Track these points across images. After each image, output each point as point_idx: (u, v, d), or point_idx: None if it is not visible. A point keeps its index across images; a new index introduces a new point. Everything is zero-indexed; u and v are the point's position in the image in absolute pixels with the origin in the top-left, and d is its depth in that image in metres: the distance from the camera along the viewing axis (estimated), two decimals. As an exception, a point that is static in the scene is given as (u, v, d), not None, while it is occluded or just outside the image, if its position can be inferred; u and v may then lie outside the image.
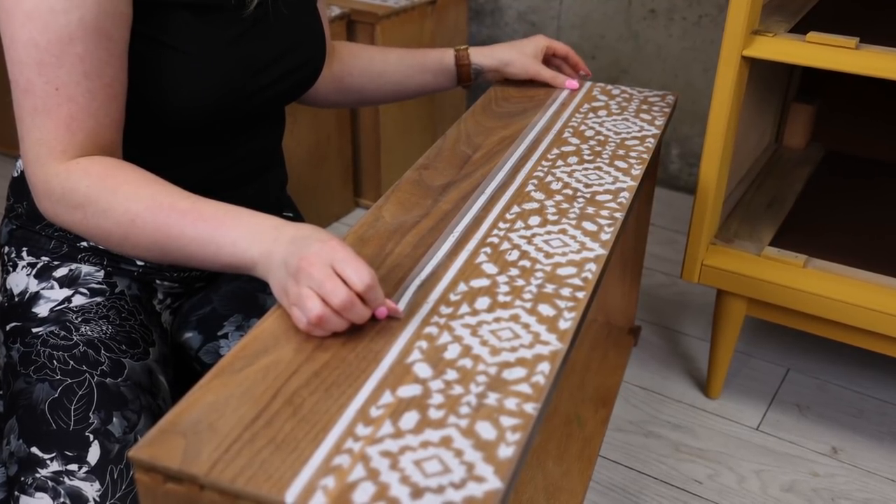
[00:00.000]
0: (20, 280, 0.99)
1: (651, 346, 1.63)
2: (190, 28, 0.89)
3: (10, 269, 1.00)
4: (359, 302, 0.71)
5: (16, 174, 1.04)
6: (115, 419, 0.90)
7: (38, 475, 0.87)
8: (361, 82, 1.23)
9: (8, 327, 0.97)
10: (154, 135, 0.95)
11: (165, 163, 0.92)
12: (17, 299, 0.98)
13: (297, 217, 1.23)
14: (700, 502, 1.28)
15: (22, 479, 0.87)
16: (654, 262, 1.90)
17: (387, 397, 0.66)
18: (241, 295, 1.07)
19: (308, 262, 0.70)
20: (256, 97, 0.97)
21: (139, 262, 1.02)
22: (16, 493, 0.87)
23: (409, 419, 0.64)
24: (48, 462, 0.87)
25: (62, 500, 0.85)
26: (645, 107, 1.26)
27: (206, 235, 0.78)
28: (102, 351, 0.94)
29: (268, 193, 1.10)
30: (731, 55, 1.13)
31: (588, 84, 1.34)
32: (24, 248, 1.00)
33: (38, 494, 0.85)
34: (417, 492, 0.57)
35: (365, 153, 2.12)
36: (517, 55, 1.25)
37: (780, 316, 1.33)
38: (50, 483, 0.86)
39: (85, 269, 0.99)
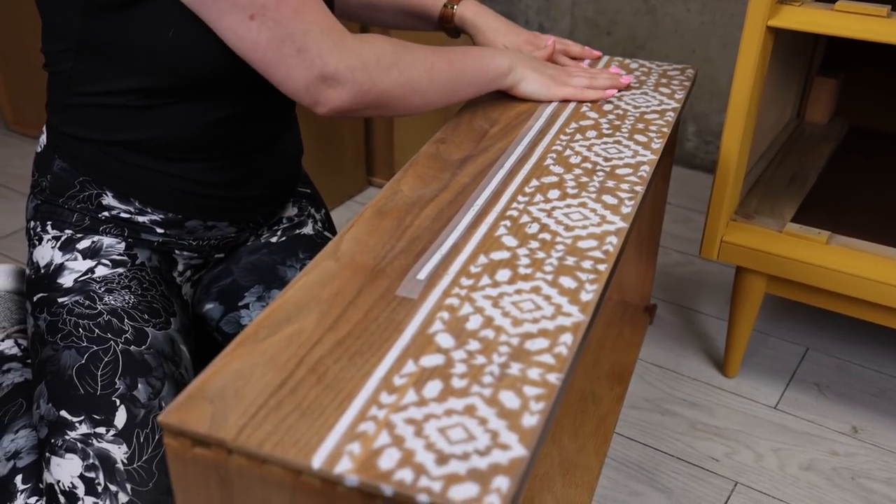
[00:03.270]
0: (45, 253, 1.00)
1: (667, 325, 1.62)
2: None
3: (36, 242, 1.02)
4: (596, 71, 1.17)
5: (39, 149, 1.04)
6: (140, 385, 0.92)
7: (67, 437, 0.89)
8: (358, 13, 1.27)
9: (35, 298, 1.00)
10: (167, 86, 0.94)
11: (176, 116, 0.94)
12: (42, 271, 1.00)
13: (312, 192, 1.23)
14: (717, 479, 1.28)
15: (52, 440, 0.90)
16: (670, 240, 1.89)
17: (410, 366, 0.66)
18: (261, 267, 1.08)
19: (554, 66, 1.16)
20: None
21: (159, 231, 1.02)
22: (47, 454, 0.90)
23: (433, 388, 0.64)
24: (77, 425, 0.89)
25: (91, 461, 0.87)
26: (664, 80, 1.26)
27: (476, 62, 1.04)
28: (126, 319, 0.95)
29: (282, 160, 1.10)
30: (756, 25, 1.12)
31: (606, 58, 1.33)
32: (49, 222, 1.01)
33: (68, 455, 0.88)
34: (442, 458, 0.57)
35: (378, 132, 2.12)
36: (490, 34, 1.24)
37: (801, 293, 1.32)
38: (79, 445, 0.88)
39: (107, 241, 1.00)
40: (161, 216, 1.01)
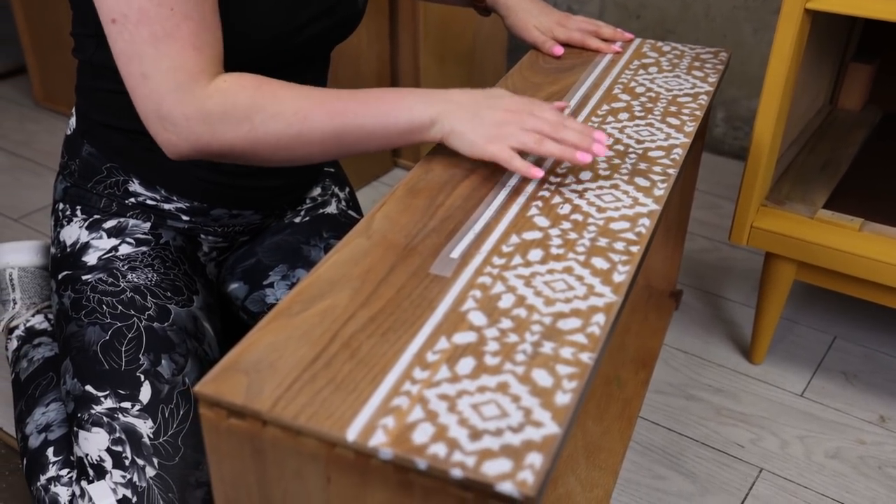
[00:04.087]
0: (73, 232, 1.02)
1: (693, 311, 1.61)
2: None
3: (65, 223, 1.03)
4: (571, 122, 0.87)
5: (69, 132, 1.05)
6: (163, 361, 0.93)
7: (93, 411, 0.90)
8: None
9: (60, 276, 1.01)
10: None
11: None
12: (69, 250, 1.01)
13: (336, 171, 1.23)
14: (742, 466, 1.27)
15: (79, 415, 0.91)
16: (697, 226, 1.88)
17: (442, 343, 0.66)
18: (285, 246, 1.09)
19: (513, 106, 0.86)
20: (306, 30, 0.96)
21: (184, 218, 1.03)
22: (75, 428, 0.91)
23: (466, 365, 0.64)
24: (102, 399, 0.90)
25: (117, 434, 0.88)
26: (697, 63, 1.25)
27: (382, 109, 0.84)
28: (148, 297, 0.96)
29: None
30: (794, 8, 1.10)
31: (638, 41, 1.32)
32: (78, 206, 1.02)
33: (95, 429, 0.89)
34: (476, 434, 0.57)
35: (406, 113, 2.11)
36: (521, 14, 1.24)
37: (831, 280, 1.31)
38: (105, 419, 0.89)
39: (132, 221, 1.01)
40: (186, 204, 1.02)
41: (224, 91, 0.80)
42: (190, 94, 0.79)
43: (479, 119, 0.85)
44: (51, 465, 0.96)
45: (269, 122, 0.81)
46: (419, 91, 0.86)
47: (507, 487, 0.54)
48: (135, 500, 0.86)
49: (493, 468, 0.55)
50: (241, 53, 0.89)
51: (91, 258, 0.99)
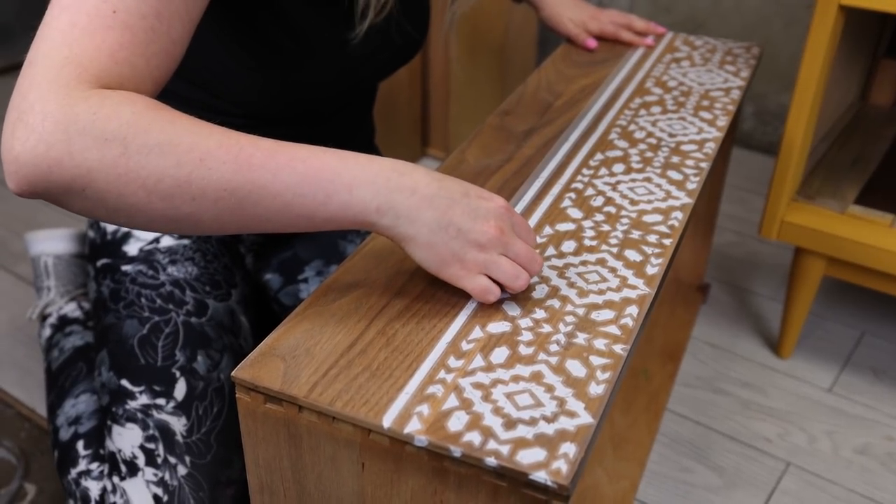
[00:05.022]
0: None
1: (720, 305, 1.61)
2: (305, 18, 0.86)
3: None
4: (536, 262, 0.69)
5: None
6: (199, 357, 0.92)
7: (128, 406, 0.90)
8: None
9: (98, 263, 1.01)
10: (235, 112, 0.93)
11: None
12: (109, 238, 1.00)
13: None
14: (769, 460, 1.27)
15: (113, 409, 0.91)
16: (725, 220, 1.87)
17: (477, 332, 0.67)
18: (323, 241, 1.09)
19: (493, 229, 0.66)
20: (356, 85, 0.96)
21: None
22: (108, 422, 0.91)
23: (500, 354, 0.64)
24: (137, 395, 0.90)
25: (151, 431, 0.88)
26: (729, 58, 1.24)
27: (308, 180, 0.61)
28: (187, 291, 0.96)
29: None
30: (829, 4, 1.10)
31: (670, 35, 1.31)
32: None
33: (129, 425, 0.89)
34: (510, 423, 0.58)
35: (434, 103, 2.11)
36: (556, 7, 1.26)
37: (861, 276, 1.30)
38: (139, 415, 0.89)
39: None
40: None
41: (105, 98, 0.59)
42: (66, 89, 0.59)
43: (443, 239, 0.65)
44: (81, 459, 0.96)
45: (149, 154, 0.58)
46: (366, 162, 0.64)
47: (541, 476, 0.54)
48: (166, 498, 0.86)
49: (528, 457, 0.55)
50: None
51: (132, 249, 0.99)
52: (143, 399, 0.90)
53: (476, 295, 0.68)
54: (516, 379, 0.62)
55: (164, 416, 0.89)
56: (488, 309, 0.69)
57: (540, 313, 0.69)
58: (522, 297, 0.71)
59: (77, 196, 0.59)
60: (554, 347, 0.65)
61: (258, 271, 1.12)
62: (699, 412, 1.36)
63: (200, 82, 0.92)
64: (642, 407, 1.30)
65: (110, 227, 1.01)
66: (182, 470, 0.87)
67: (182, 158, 0.59)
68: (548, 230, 0.81)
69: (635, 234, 0.81)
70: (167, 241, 0.99)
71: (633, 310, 0.70)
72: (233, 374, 0.61)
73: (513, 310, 0.69)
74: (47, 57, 0.60)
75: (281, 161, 0.61)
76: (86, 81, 0.60)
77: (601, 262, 0.76)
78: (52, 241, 1.28)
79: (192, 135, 0.60)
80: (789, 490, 1.22)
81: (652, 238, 0.80)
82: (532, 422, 0.58)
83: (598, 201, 0.86)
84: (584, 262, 0.76)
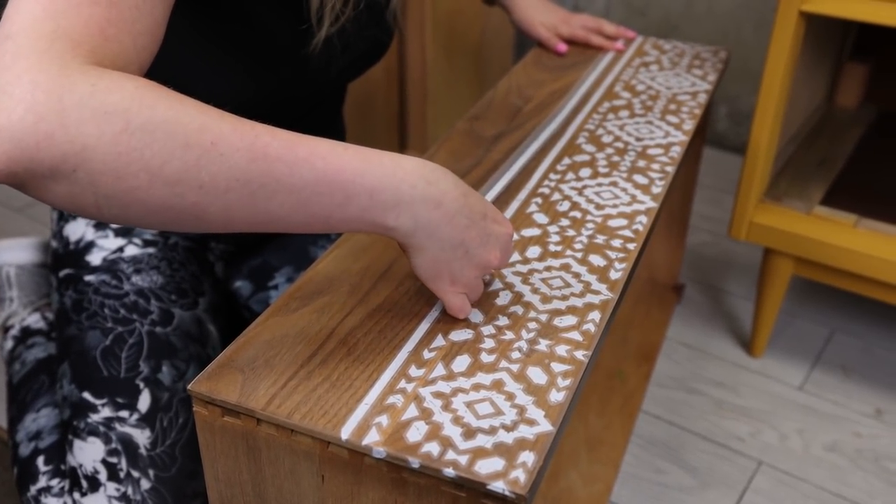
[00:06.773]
0: (78, 229, 0.99)
1: (695, 304, 1.62)
2: (269, 19, 0.85)
3: (70, 218, 1.01)
4: None
5: None
6: (164, 368, 0.91)
7: (90, 420, 0.88)
8: None
9: (61, 274, 0.99)
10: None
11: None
12: (72, 247, 0.99)
13: None
14: (742, 459, 1.28)
15: (75, 423, 0.89)
16: (700, 220, 1.88)
17: (439, 341, 0.67)
18: (293, 248, 1.08)
19: (496, 259, 0.67)
20: (324, 86, 0.95)
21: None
22: (70, 436, 0.89)
23: (461, 362, 0.64)
24: (99, 407, 0.88)
25: (114, 445, 0.86)
26: (697, 62, 1.25)
27: (328, 178, 0.56)
28: (152, 300, 0.94)
29: None
30: (790, 10, 1.11)
31: (640, 39, 1.32)
32: None
33: (91, 439, 0.87)
34: (469, 432, 0.58)
35: (412, 105, 2.11)
36: (528, 10, 1.26)
37: (828, 276, 1.31)
38: (101, 428, 0.87)
39: None
40: None
41: (103, 72, 0.52)
42: (59, 60, 0.52)
43: (449, 257, 0.64)
44: (41, 476, 0.93)
45: (157, 131, 0.52)
46: (392, 161, 0.60)
47: (499, 486, 0.54)
48: None
49: (486, 467, 0.55)
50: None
51: (95, 258, 0.97)
52: (106, 412, 0.88)
53: (453, 312, 0.69)
54: (477, 387, 0.62)
55: (127, 429, 0.87)
56: (451, 316, 0.69)
57: (503, 320, 0.69)
58: (486, 304, 0.71)
59: (64, 179, 0.51)
60: (516, 355, 0.66)
61: (228, 279, 1.11)
62: (673, 412, 1.37)
63: (163, 81, 0.92)
64: (617, 408, 1.31)
65: (73, 237, 0.99)
66: (146, 484, 0.85)
67: (191, 139, 0.52)
68: (514, 236, 0.81)
69: (600, 239, 0.81)
70: (131, 251, 0.97)
71: (595, 315, 0.71)
72: (189, 387, 0.61)
73: (475, 317, 0.69)
74: (32, 30, 0.52)
75: (301, 154, 0.56)
76: (82, 54, 0.53)
77: (565, 267, 0.77)
78: (15, 251, 1.26)
79: (203, 115, 0.54)
80: (761, 489, 1.23)
81: (616, 243, 0.81)
82: (491, 431, 0.58)
83: (564, 206, 0.86)
84: (548, 268, 0.76)
